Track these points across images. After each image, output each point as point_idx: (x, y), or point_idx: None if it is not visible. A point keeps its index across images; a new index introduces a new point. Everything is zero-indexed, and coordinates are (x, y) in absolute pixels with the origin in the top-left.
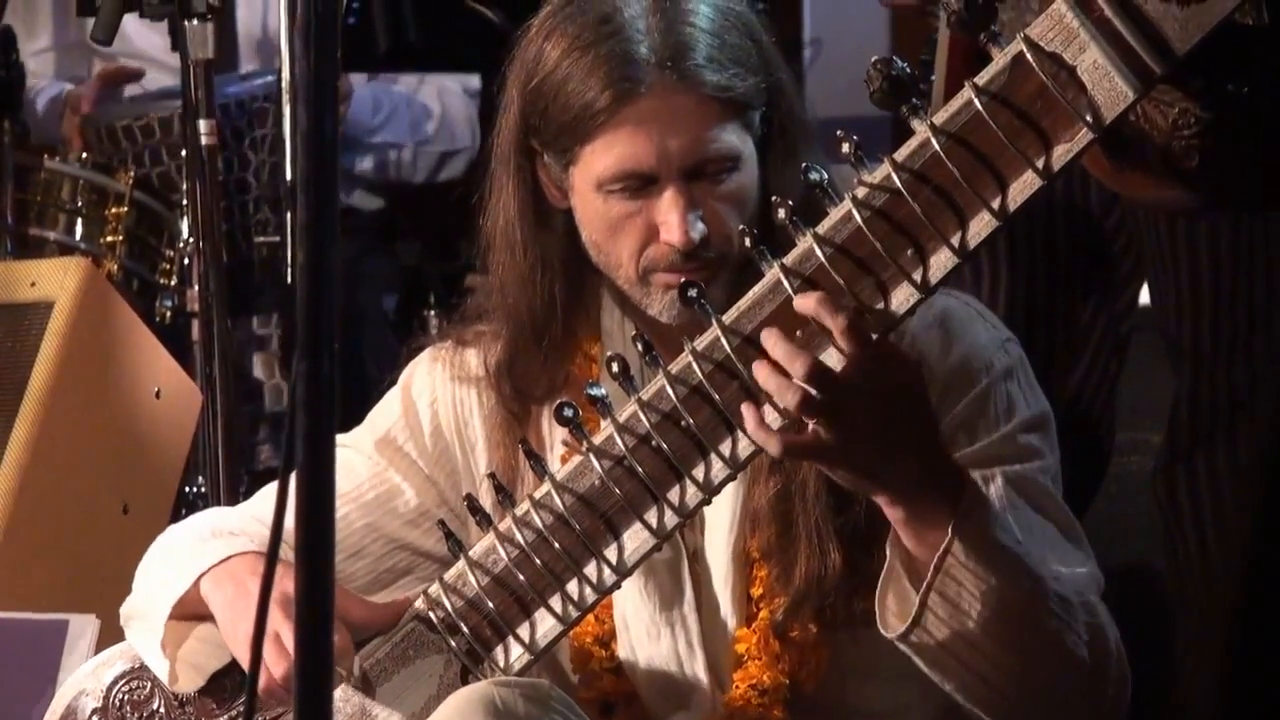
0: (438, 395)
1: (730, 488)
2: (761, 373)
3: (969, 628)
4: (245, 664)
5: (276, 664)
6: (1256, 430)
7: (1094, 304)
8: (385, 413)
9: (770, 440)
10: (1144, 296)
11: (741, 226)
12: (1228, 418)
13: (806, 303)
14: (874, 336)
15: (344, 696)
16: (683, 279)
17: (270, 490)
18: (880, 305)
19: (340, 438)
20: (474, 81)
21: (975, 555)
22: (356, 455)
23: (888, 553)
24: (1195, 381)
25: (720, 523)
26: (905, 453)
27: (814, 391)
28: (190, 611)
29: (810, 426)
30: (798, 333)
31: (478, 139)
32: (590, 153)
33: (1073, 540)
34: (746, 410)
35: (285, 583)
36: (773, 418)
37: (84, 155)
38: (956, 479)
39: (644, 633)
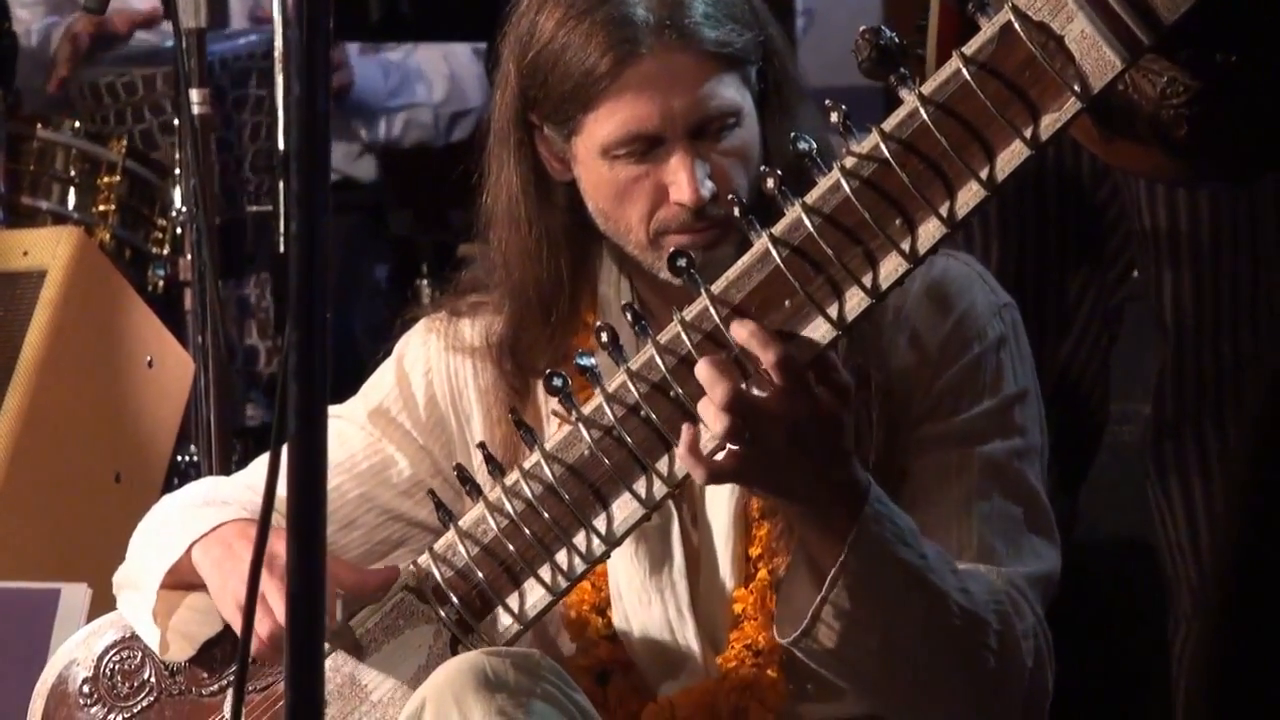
0: (432, 366)
1: None
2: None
3: (861, 639)
4: (232, 622)
5: (260, 621)
6: (1244, 410)
7: (1085, 276)
8: (379, 384)
9: (699, 468)
10: None
11: (730, 195)
12: (1214, 397)
13: (740, 332)
14: (804, 364)
15: (334, 666)
16: (693, 240)
17: (265, 459)
18: (869, 275)
19: (333, 409)
20: (481, 44)
21: (871, 570)
22: (350, 426)
23: (794, 556)
24: (1179, 360)
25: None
26: (820, 472)
27: (740, 419)
28: (182, 580)
29: (733, 449)
30: (785, 302)
31: (486, 99)
32: (594, 120)
33: (1038, 530)
34: (684, 431)
35: (274, 544)
36: (703, 441)
37: (76, 125)
38: (862, 494)
39: (636, 599)
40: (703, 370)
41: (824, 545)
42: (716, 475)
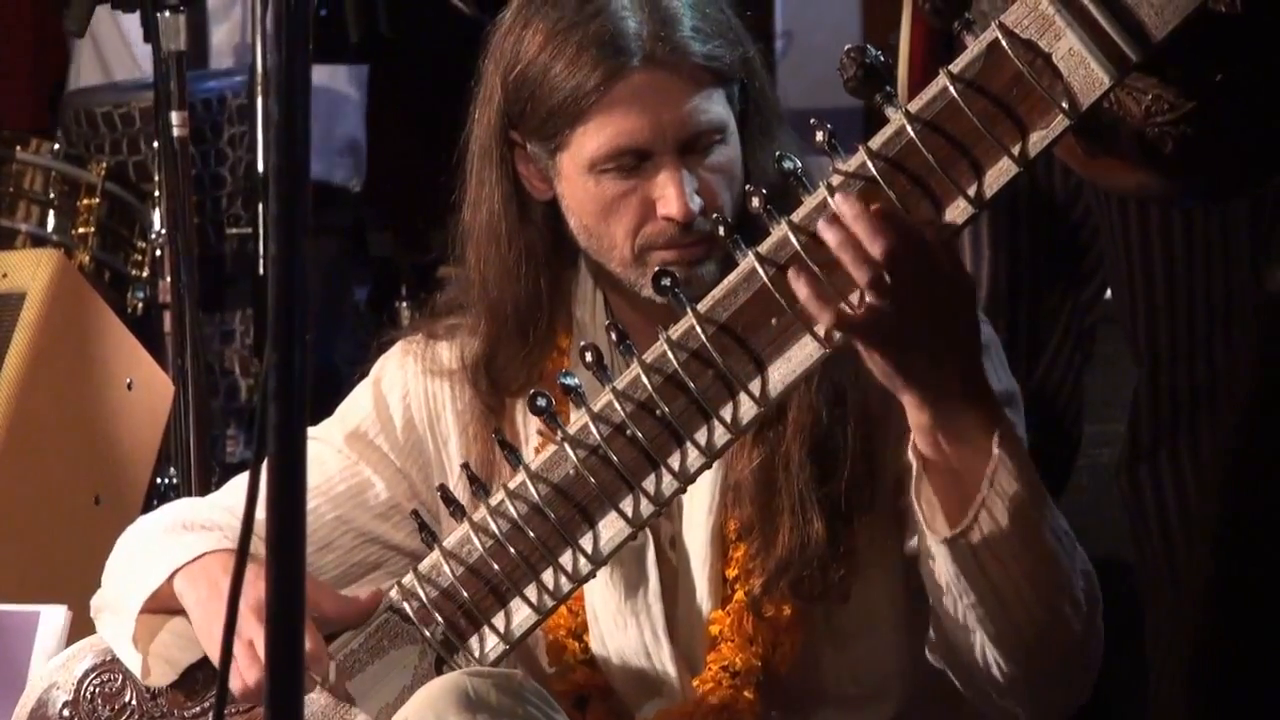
0: (410, 389)
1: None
2: (835, 238)
3: (1002, 544)
4: (218, 665)
5: (249, 669)
6: (1219, 429)
7: (1059, 294)
8: (355, 407)
9: (825, 313)
10: None
11: (715, 214)
12: (1189, 416)
13: (846, 209)
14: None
15: (319, 692)
16: (679, 255)
17: (241, 481)
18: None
19: (309, 431)
20: None
21: (1013, 476)
22: (326, 449)
23: (910, 459)
24: (1154, 380)
25: (699, 505)
26: (950, 360)
27: (886, 273)
28: (162, 605)
29: (867, 305)
30: (773, 321)
31: None
32: (582, 134)
33: None
34: (806, 281)
35: (259, 585)
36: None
37: (56, 147)
38: (992, 399)
39: (612, 623)
40: (852, 212)
41: (945, 443)
42: (842, 324)
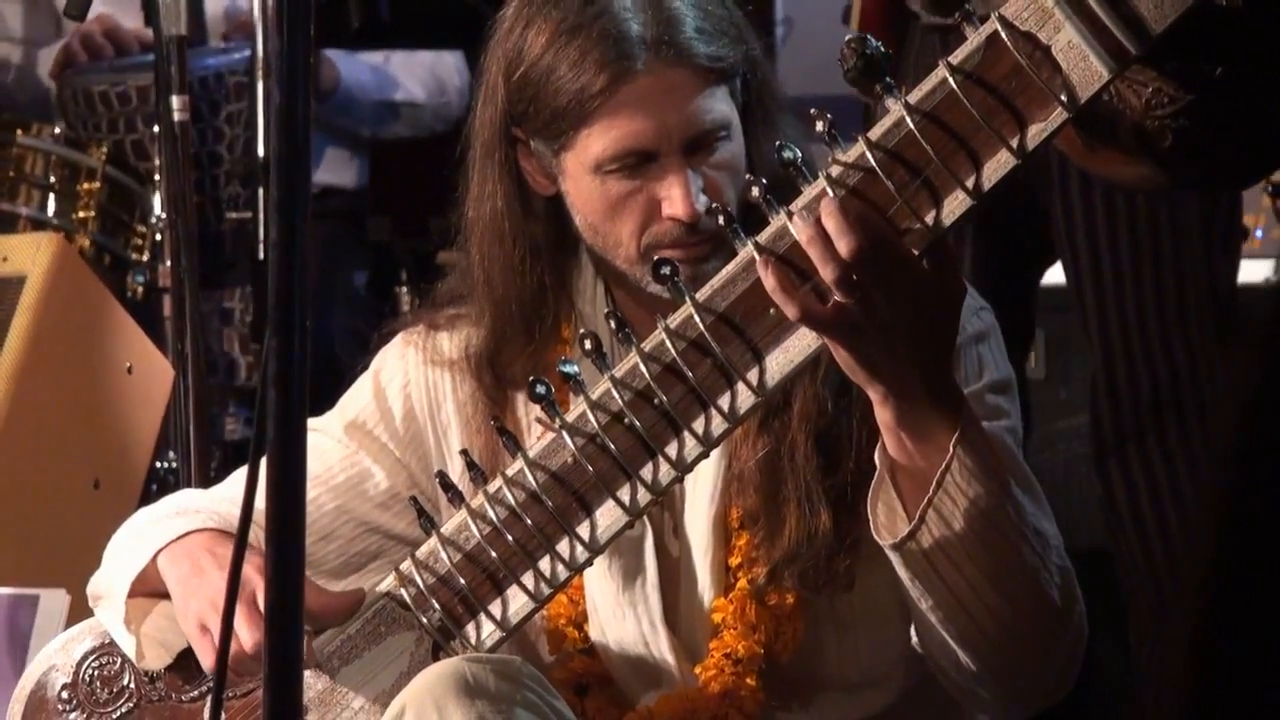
0: (410, 379)
1: (712, 455)
2: (805, 234)
3: (956, 546)
4: (193, 640)
5: (249, 632)
6: (1186, 423)
7: (1030, 279)
8: (356, 398)
9: (790, 304)
10: None
11: (715, 205)
12: (1153, 411)
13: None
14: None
15: (315, 673)
16: (685, 254)
17: (241, 473)
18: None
19: (310, 422)
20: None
21: (972, 475)
22: (326, 439)
23: (876, 461)
24: (1110, 373)
25: (702, 493)
26: (915, 360)
27: (853, 272)
28: (152, 589)
29: (832, 301)
30: (771, 310)
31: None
32: (587, 136)
33: (1036, 502)
34: (773, 269)
35: (251, 557)
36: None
37: (57, 130)
38: (956, 399)
39: (610, 613)
40: (829, 212)
41: (907, 442)
42: (807, 317)
